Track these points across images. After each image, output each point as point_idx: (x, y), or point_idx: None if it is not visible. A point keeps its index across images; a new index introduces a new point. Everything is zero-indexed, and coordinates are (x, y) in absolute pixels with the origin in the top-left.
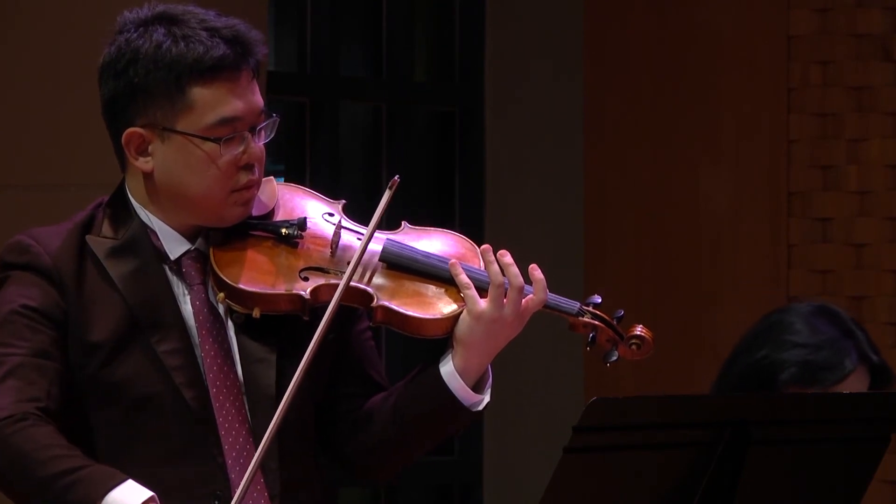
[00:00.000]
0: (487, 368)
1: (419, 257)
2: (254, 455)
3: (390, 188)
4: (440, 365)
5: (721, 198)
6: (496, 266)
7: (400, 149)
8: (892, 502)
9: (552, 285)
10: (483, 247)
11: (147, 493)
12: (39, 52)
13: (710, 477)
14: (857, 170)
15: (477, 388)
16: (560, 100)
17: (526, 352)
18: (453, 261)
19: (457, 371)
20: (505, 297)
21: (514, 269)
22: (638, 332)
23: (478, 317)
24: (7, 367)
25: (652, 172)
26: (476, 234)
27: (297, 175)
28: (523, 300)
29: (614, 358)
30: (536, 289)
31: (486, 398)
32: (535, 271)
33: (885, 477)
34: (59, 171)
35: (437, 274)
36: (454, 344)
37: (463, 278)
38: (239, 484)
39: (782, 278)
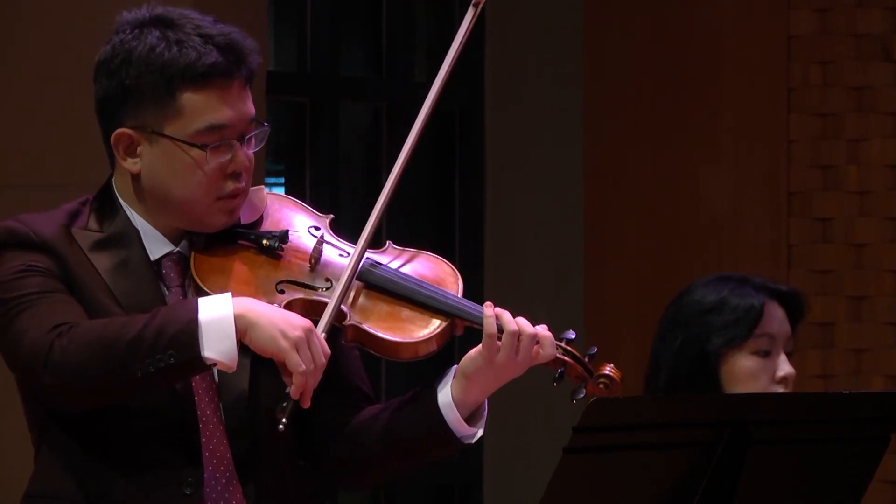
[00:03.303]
0: (483, 402)
1: (397, 279)
2: (228, 454)
3: (475, 6)
4: (438, 393)
5: (721, 198)
6: (508, 315)
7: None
8: (892, 502)
9: (552, 286)
10: (486, 304)
11: (226, 294)
12: (40, 53)
13: (710, 477)
14: (857, 170)
15: (471, 420)
16: (560, 99)
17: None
18: (489, 305)
19: (454, 402)
20: (517, 344)
21: (524, 321)
22: (607, 372)
23: (490, 361)
24: (33, 301)
25: (652, 172)
26: (476, 236)
27: (296, 175)
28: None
29: (581, 395)
30: (544, 345)
31: (479, 432)
32: (544, 329)
33: (885, 477)
34: (59, 171)
35: (413, 297)
36: (456, 374)
37: (492, 326)
38: (212, 477)
39: (782, 278)
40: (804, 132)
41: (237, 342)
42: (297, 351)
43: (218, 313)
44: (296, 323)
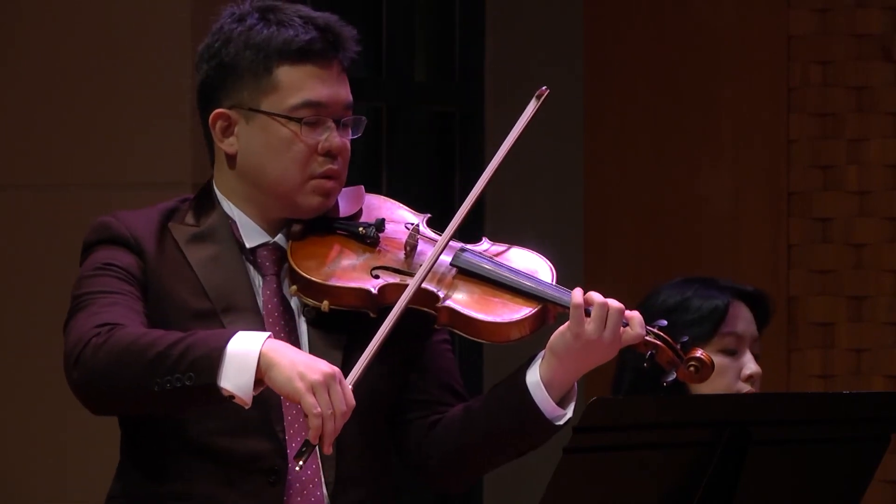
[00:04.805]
0: (573, 386)
1: (490, 266)
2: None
3: (538, 98)
4: (526, 373)
5: (721, 198)
6: (597, 294)
7: (400, 149)
8: (892, 502)
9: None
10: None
11: (265, 333)
12: (40, 53)
13: (710, 477)
14: (857, 170)
15: (561, 404)
16: (560, 100)
17: (526, 352)
18: (579, 290)
19: (542, 381)
20: (605, 318)
21: (614, 300)
22: (698, 355)
23: (578, 335)
24: (94, 299)
25: (652, 172)
26: (476, 235)
27: None
28: (621, 329)
29: (671, 378)
30: (633, 324)
31: (569, 413)
32: (633, 311)
33: (885, 477)
34: (59, 171)
35: (506, 283)
36: (545, 354)
37: (578, 297)
38: (295, 464)
39: (782, 278)
40: (804, 132)
41: (257, 380)
42: (314, 394)
43: (246, 347)
44: (318, 367)
